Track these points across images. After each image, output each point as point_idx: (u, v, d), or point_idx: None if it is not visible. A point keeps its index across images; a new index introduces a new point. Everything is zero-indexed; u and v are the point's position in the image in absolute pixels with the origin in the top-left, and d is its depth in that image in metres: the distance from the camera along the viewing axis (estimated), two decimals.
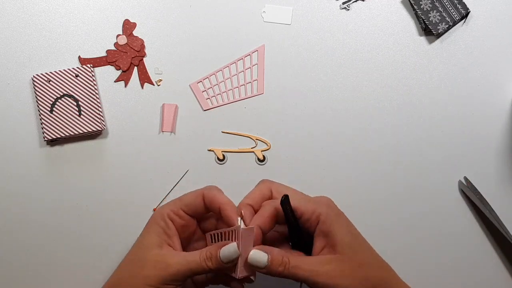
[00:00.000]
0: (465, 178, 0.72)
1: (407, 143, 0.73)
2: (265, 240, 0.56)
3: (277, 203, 0.54)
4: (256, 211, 0.56)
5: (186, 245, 0.58)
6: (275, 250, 0.53)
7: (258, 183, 0.59)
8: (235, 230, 0.53)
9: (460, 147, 0.72)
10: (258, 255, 0.52)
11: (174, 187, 0.71)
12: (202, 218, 0.59)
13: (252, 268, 0.53)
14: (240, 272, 0.53)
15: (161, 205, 0.69)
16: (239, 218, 0.54)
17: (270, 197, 0.57)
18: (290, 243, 0.58)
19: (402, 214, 0.72)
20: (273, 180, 0.59)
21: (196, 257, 0.53)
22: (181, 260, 0.53)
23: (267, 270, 0.52)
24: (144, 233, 0.56)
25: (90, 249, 0.70)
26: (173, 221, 0.55)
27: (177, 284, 0.53)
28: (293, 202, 0.54)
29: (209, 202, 0.56)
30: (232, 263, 0.53)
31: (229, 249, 0.52)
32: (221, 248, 0.52)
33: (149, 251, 0.53)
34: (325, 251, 0.53)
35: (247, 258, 0.52)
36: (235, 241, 0.52)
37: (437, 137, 0.72)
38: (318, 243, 0.54)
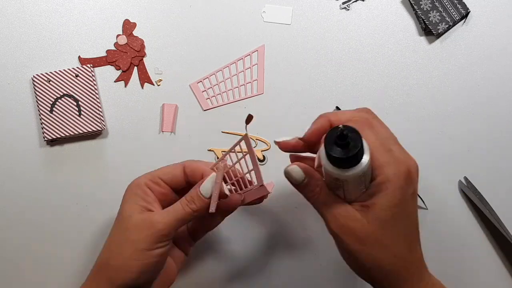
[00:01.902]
0: (465, 178, 0.72)
1: (407, 143, 0.72)
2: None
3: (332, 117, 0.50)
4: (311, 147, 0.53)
5: None
6: (315, 177, 0.50)
7: (358, 108, 0.54)
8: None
9: (460, 147, 0.72)
10: (295, 172, 0.51)
11: None
12: (181, 191, 0.58)
13: (287, 179, 0.51)
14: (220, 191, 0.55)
15: None
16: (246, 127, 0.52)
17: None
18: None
19: None
20: (374, 116, 0.53)
21: (178, 206, 0.54)
22: (165, 214, 0.53)
23: (298, 188, 0.52)
24: (122, 205, 0.56)
25: (90, 249, 0.70)
26: (151, 189, 0.56)
27: (168, 240, 0.53)
28: (369, 139, 0.48)
29: (190, 171, 0.56)
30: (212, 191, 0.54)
31: (208, 181, 0.53)
32: (199, 186, 0.53)
33: (131, 218, 0.53)
34: (358, 206, 0.49)
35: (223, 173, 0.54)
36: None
37: (437, 137, 0.72)
38: (363, 196, 0.49)
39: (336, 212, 0.50)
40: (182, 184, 0.58)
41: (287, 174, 0.52)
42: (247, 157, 0.54)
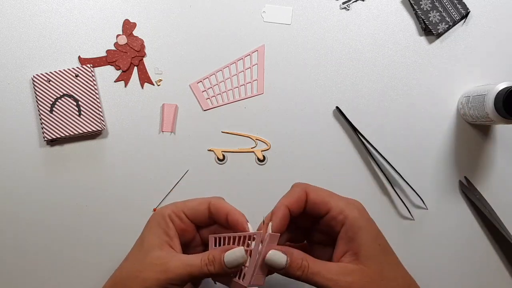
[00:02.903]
0: (465, 178, 0.72)
1: (407, 143, 0.73)
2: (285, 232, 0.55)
3: (302, 192, 0.53)
4: (291, 214, 0.53)
5: (184, 251, 0.56)
6: (295, 252, 0.50)
7: (292, 187, 0.56)
8: (243, 236, 0.51)
9: (460, 147, 0.72)
10: (277, 256, 0.50)
11: (174, 187, 0.71)
12: (203, 227, 0.57)
13: (270, 268, 0.50)
14: (253, 279, 0.50)
15: (161, 205, 0.69)
16: (248, 224, 0.52)
17: (306, 200, 0.54)
18: (306, 241, 0.57)
19: (402, 214, 0.72)
20: (308, 183, 0.55)
21: (197, 261, 0.51)
22: (181, 264, 0.51)
23: (284, 272, 0.50)
24: (145, 233, 0.55)
25: (90, 249, 0.70)
26: (173, 222, 0.54)
27: (178, 286, 0.52)
28: (323, 195, 0.52)
29: (215, 209, 0.54)
30: (236, 268, 0.50)
31: (235, 253, 0.50)
32: (225, 252, 0.50)
33: (149, 253, 0.52)
34: (347, 257, 0.51)
35: (257, 264, 0.50)
36: (242, 245, 0.51)
37: (437, 137, 0.73)
38: (341, 247, 0.51)
39: (332, 274, 0.49)
40: (205, 221, 0.56)
41: (269, 262, 0.50)
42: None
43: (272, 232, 0.51)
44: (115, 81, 0.72)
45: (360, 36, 0.73)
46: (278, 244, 0.51)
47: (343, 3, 0.73)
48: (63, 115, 0.70)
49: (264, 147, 0.72)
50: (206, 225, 0.57)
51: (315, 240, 0.57)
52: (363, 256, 0.50)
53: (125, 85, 0.72)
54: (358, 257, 0.50)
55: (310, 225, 0.56)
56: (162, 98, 0.72)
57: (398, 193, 0.72)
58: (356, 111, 0.72)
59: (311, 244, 0.57)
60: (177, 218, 0.55)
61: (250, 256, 0.51)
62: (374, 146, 0.72)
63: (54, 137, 0.70)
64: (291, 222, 0.54)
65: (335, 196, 0.53)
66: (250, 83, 0.73)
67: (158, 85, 0.72)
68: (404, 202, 0.72)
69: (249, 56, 0.73)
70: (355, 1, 0.74)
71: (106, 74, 0.72)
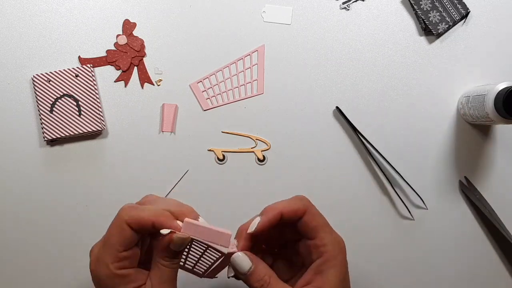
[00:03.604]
0: (465, 178, 0.72)
1: (408, 143, 0.73)
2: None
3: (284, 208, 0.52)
4: (280, 221, 0.52)
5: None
6: (262, 265, 0.51)
7: (294, 197, 0.54)
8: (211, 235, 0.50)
9: (460, 147, 0.72)
10: (243, 259, 0.50)
11: (174, 187, 0.71)
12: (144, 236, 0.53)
13: (234, 270, 0.51)
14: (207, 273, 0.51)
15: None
16: (200, 218, 0.51)
17: (301, 217, 0.52)
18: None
19: (402, 214, 0.72)
20: (310, 201, 0.54)
21: (162, 271, 0.50)
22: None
23: (245, 279, 0.50)
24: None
25: (89, 249, 0.70)
26: (124, 267, 0.50)
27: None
28: (317, 222, 0.52)
29: (138, 226, 0.50)
30: (186, 244, 0.49)
31: (176, 242, 0.48)
32: (170, 245, 0.49)
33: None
34: (309, 276, 0.51)
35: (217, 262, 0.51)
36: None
37: (437, 137, 0.73)
38: (308, 276, 0.51)
39: None
40: (139, 239, 0.51)
41: (233, 262, 0.50)
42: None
43: (255, 228, 0.51)
44: (115, 81, 0.72)
45: (360, 36, 0.73)
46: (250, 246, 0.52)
47: (343, 3, 0.73)
48: (63, 115, 0.70)
49: (264, 147, 0.72)
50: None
51: (286, 254, 0.56)
52: None
53: (125, 85, 0.72)
54: None
55: (290, 239, 0.55)
56: (162, 98, 0.72)
57: (398, 193, 0.72)
58: (356, 111, 0.72)
59: (280, 256, 0.57)
60: (124, 261, 0.51)
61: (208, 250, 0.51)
62: (374, 146, 0.72)
63: (54, 137, 0.70)
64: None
65: (327, 228, 0.52)
66: (250, 83, 0.73)
67: (158, 85, 0.72)
68: (404, 202, 0.72)
69: (249, 56, 0.73)
70: (355, 1, 0.74)
71: (106, 74, 0.72)
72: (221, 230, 0.50)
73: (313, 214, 0.52)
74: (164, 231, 0.49)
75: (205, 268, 0.54)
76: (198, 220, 0.51)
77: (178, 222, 0.50)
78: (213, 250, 0.50)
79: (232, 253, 0.50)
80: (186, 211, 0.52)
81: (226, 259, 0.51)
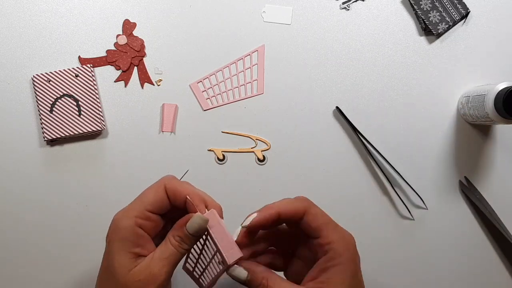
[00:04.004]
0: (465, 178, 0.72)
1: (407, 143, 0.73)
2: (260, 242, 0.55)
3: (283, 207, 0.52)
4: (278, 221, 0.52)
5: (159, 241, 0.53)
6: (258, 269, 0.51)
7: (295, 198, 0.54)
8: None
9: (460, 147, 0.72)
10: (238, 271, 0.50)
11: None
12: (170, 211, 0.55)
13: (235, 280, 0.51)
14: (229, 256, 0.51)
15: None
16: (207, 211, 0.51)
17: (301, 218, 0.52)
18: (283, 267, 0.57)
19: (402, 214, 0.72)
20: (312, 202, 0.53)
21: (171, 249, 0.50)
22: (161, 263, 0.49)
23: (247, 284, 0.51)
24: (112, 254, 0.50)
25: (90, 249, 0.70)
26: (143, 228, 0.51)
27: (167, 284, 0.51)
28: (320, 222, 0.51)
29: (172, 194, 0.52)
30: (202, 232, 0.50)
31: (195, 221, 0.49)
32: (186, 225, 0.50)
33: (129, 275, 0.49)
34: (312, 284, 0.50)
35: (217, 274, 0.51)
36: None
37: (437, 137, 0.73)
38: (313, 272, 0.51)
39: None
40: (168, 207, 0.53)
41: (231, 275, 0.51)
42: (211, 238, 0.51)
43: (249, 223, 0.51)
44: (115, 81, 0.72)
45: (360, 36, 0.73)
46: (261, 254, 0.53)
47: (343, 3, 0.73)
48: (63, 115, 0.70)
49: (264, 147, 0.72)
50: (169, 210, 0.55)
51: (301, 253, 0.56)
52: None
53: (125, 85, 0.72)
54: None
55: (302, 238, 0.55)
56: (162, 98, 0.72)
57: (398, 193, 0.72)
58: (356, 111, 0.72)
59: (295, 255, 0.57)
60: (146, 221, 0.51)
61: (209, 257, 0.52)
62: (374, 146, 0.72)
63: (54, 137, 0.70)
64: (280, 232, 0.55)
65: (331, 225, 0.52)
66: (250, 83, 0.73)
67: (158, 85, 0.72)
68: (404, 202, 0.72)
69: (249, 56, 0.73)
70: (355, 1, 0.74)
71: (106, 74, 0.72)
72: (235, 244, 0.51)
73: (314, 214, 0.52)
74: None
75: (208, 280, 0.54)
76: (222, 219, 0.52)
77: (207, 210, 0.51)
78: (215, 264, 0.51)
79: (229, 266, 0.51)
80: (217, 206, 0.53)
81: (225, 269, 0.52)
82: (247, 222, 0.52)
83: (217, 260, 0.51)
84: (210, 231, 0.50)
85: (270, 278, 0.50)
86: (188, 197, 0.51)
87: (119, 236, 0.50)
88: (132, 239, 0.50)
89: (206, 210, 0.52)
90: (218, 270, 0.51)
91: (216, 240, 0.50)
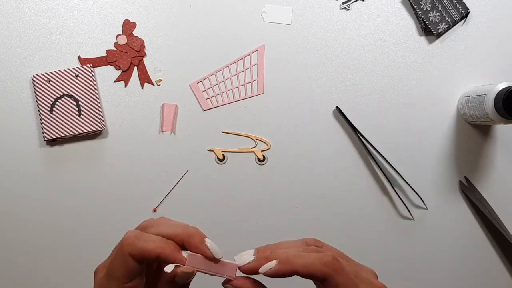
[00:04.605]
0: (465, 178, 0.72)
1: (408, 143, 0.73)
2: None
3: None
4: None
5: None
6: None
7: (322, 255, 0.46)
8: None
9: (460, 147, 0.72)
10: None
11: (174, 187, 0.71)
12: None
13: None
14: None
15: (161, 205, 0.68)
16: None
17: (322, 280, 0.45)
18: None
19: (402, 214, 0.72)
20: (341, 263, 0.46)
21: None
22: None
23: None
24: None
25: (90, 248, 0.70)
26: None
27: None
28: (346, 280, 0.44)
29: (141, 259, 0.47)
30: (191, 277, 0.47)
31: (181, 276, 0.46)
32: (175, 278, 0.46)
33: None
34: None
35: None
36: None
37: (437, 137, 0.73)
38: None
39: None
40: (145, 267, 0.49)
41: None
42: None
43: (266, 272, 0.46)
44: (115, 81, 0.72)
45: (360, 36, 0.73)
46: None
47: (343, 3, 0.73)
48: (63, 115, 0.70)
49: (264, 147, 0.72)
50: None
51: None
52: None
53: (125, 85, 0.72)
54: None
55: None
56: (162, 98, 0.72)
57: (398, 193, 0.72)
58: (356, 111, 0.72)
59: None
60: (130, 285, 0.47)
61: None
62: (374, 146, 0.72)
63: (54, 137, 0.70)
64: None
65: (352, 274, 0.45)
66: (250, 83, 0.73)
67: (158, 85, 0.72)
68: (404, 202, 0.72)
69: (249, 56, 0.73)
70: (355, 1, 0.74)
71: (106, 74, 0.72)
72: (226, 261, 0.49)
73: (336, 285, 0.44)
74: (168, 268, 0.48)
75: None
76: (205, 240, 0.50)
77: (184, 253, 0.49)
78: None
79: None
80: (192, 232, 0.48)
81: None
82: (264, 270, 0.45)
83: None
84: (200, 270, 0.49)
85: None
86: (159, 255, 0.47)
87: None
88: None
89: (183, 254, 0.47)
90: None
91: (209, 273, 0.49)
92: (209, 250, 0.47)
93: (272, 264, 0.45)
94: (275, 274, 0.46)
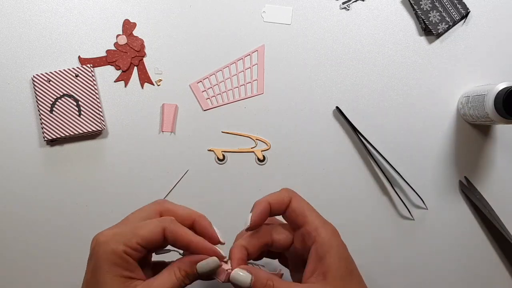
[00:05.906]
0: (465, 178, 0.72)
1: (408, 143, 0.73)
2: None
3: (271, 198, 0.53)
4: (271, 212, 0.53)
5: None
6: (261, 272, 0.50)
7: (280, 190, 0.55)
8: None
9: (460, 147, 0.72)
10: (241, 275, 0.49)
11: (174, 187, 0.71)
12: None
13: (235, 286, 0.51)
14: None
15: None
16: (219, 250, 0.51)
17: (288, 205, 0.53)
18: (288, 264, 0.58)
19: (402, 214, 0.72)
20: (295, 192, 0.55)
21: (172, 280, 0.49)
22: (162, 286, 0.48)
23: None
24: (103, 275, 0.48)
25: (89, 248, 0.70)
26: (131, 256, 0.49)
27: None
28: (304, 208, 0.52)
29: (173, 240, 0.50)
30: (210, 274, 0.50)
31: (209, 264, 0.49)
32: (197, 264, 0.50)
33: None
34: (315, 277, 0.50)
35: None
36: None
37: (437, 137, 0.73)
38: (310, 266, 0.51)
39: None
40: (161, 246, 0.52)
41: (233, 280, 0.50)
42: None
43: (250, 223, 0.52)
44: (115, 81, 0.72)
45: (360, 36, 0.73)
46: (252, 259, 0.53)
47: (343, 3, 0.73)
48: (63, 115, 0.70)
49: (264, 147, 0.72)
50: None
51: (288, 256, 0.57)
52: (331, 277, 0.49)
53: (125, 85, 0.72)
54: (326, 277, 0.49)
55: (287, 250, 0.55)
56: (162, 98, 0.72)
57: (398, 193, 0.72)
58: (356, 111, 0.72)
59: (286, 261, 0.58)
60: (134, 252, 0.49)
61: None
62: (374, 146, 0.72)
63: (54, 137, 0.70)
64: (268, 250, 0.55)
65: (314, 213, 0.53)
66: (250, 83, 0.73)
67: (158, 85, 0.72)
68: (404, 202, 0.72)
69: (249, 56, 0.73)
70: (355, 1, 0.74)
71: (106, 74, 0.72)
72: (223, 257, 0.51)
73: (299, 201, 0.53)
74: (208, 263, 0.50)
75: None
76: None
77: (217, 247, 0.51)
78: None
79: (229, 273, 0.50)
80: (202, 215, 0.54)
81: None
82: (247, 224, 0.52)
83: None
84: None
85: (275, 280, 0.50)
86: (195, 243, 0.50)
87: (108, 259, 0.48)
88: (122, 264, 0.48)
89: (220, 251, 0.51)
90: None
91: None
92: (216, 233, 0.52)
93: (249, 215, 0.52)
94: (257, 217, 0.52)
